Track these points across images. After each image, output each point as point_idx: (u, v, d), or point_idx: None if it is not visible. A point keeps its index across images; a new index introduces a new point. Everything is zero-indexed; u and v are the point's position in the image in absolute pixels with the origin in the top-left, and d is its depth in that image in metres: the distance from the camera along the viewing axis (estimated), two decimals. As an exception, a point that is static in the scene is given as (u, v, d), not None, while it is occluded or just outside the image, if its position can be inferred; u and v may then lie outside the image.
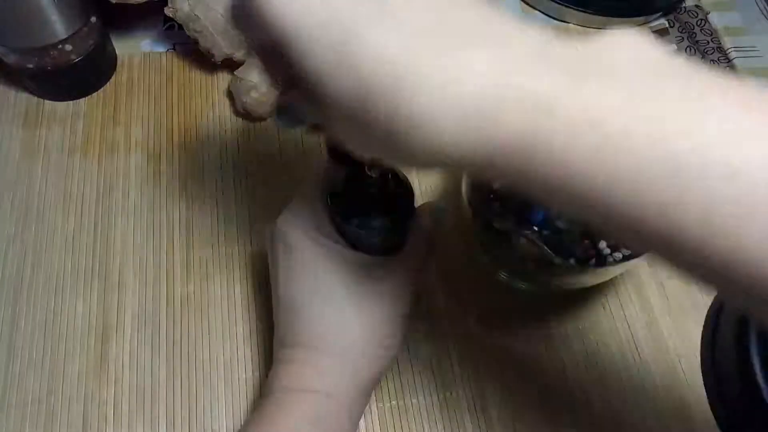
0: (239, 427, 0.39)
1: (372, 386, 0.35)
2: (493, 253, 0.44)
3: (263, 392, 0.34)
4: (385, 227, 0.35)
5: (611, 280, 0.44)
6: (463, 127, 0.19)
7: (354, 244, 0.34)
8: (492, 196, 0.39)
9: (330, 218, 0.35)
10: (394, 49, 0.19)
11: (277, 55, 0.23)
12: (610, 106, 0.18)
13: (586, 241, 0.38)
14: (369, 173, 0.34)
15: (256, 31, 0.22)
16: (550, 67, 0.19)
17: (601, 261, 0.37)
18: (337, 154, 0.34)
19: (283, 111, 0.28)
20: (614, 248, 0.37)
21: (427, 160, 0.20)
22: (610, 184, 0.18)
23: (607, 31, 0.20)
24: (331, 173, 0.35)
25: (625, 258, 0.37)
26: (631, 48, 0.19)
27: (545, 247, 0.36)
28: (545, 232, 0.37)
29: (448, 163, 0.20)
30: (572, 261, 0.37)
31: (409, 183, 0.36)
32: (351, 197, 0.35)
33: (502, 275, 0.44)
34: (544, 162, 0.18)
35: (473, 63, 0.19)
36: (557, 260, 0.36)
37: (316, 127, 0.32)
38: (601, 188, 0.18)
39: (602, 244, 0.38)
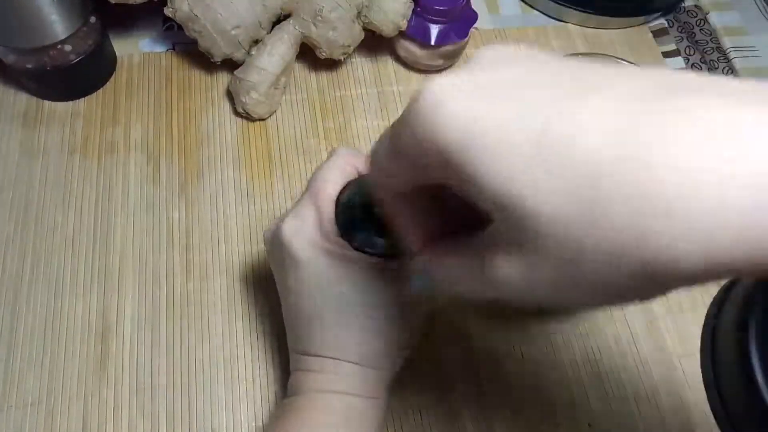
0: (239, 427, 0.39)
1: (393, 383, 0.35)
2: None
3: (287, 395, 0.34)
4: (386, 244, 0.34)
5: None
6: (750, 221, 0.14)
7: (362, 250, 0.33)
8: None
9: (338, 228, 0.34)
10: (626, 127, 0.15)
11: (424, 197, 0.20)
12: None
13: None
14: None
15: (413, 156, 0.18)
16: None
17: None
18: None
19: (419, 274, 0.25)
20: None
21: (691, 271, 0.15)
22: None
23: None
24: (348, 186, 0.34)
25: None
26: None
27: None
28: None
29: (717, 269, 0.15)
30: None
31: None
32: (356, 213, 0.33)
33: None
34: None
35: (748, 136, 0.14)
36: None
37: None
38: None
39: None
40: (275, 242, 0.34)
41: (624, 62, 0.46)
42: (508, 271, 0.18)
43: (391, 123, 0.20)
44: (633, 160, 0.14)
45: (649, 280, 0.16)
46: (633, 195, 0.14)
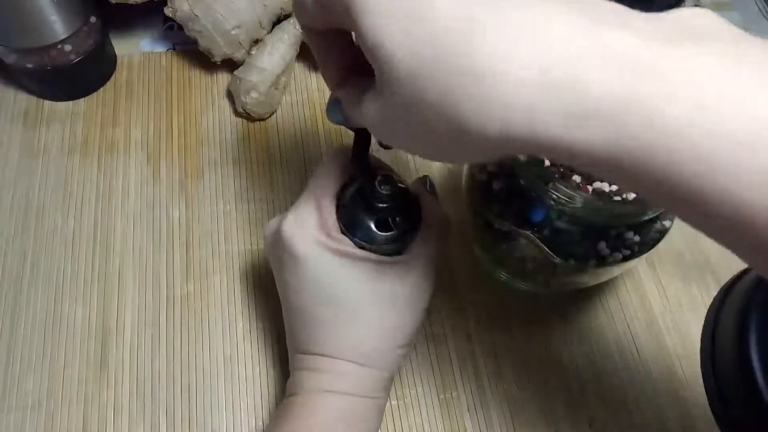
0: (239, 427, 0.39)
1: (392, 381, 0.35)
2: (493, 253, 0.44)
3: (286, 395, 0.34)
4: (387, 239, 0.34)
5: (611, 280, 0.44)
6: (547, 89, 0.18)
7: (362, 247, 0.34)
8: (492, 196, 0.39)
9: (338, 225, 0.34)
10: (473, 4, 0.18)
11: (335, 37, 0.23)
12: (710, 68, 0.17)
13: (586, 242, 0.38)
14: (380, 189, 0.33)
15: (321, 8, 0.23)
16: (637, 29, 0.18)
17: (601, 261, 0.37)
18: (361, 164, 0.33)
19: (335, 106, 0.28)
20: (614, 248, 0.37)
21: (495, 136, 0.19)
22: (708, 147, 0.16)
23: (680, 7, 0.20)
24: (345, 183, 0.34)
25: (625, 258, 0.37)
26: (709, 18, 0.19)
27: (545, 247, 0.36)
28: (545, 232, 0.37)
29: (520, 138, 0.19)
30: (572, 261, 0.37)
31: (418, 201, 0.35)
32: (357, 210, 0.34)
33: (502, 275, 0.44)
34: (639, 124, 0.17)
35: (557, 19, 0.18)
36: (557, 260, 0.36)
37: (359, 131, 0.32)
38: (699, 150, 0.16)
39: (601, 245, 0.38)
40: (276, 240, 0.34)
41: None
42: (369, 106, 0.24)
43: None
44: (465, 34, 0.18)
45: (461, 138, 0.20)
46: (459, 65, 0.18)
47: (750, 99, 0.16)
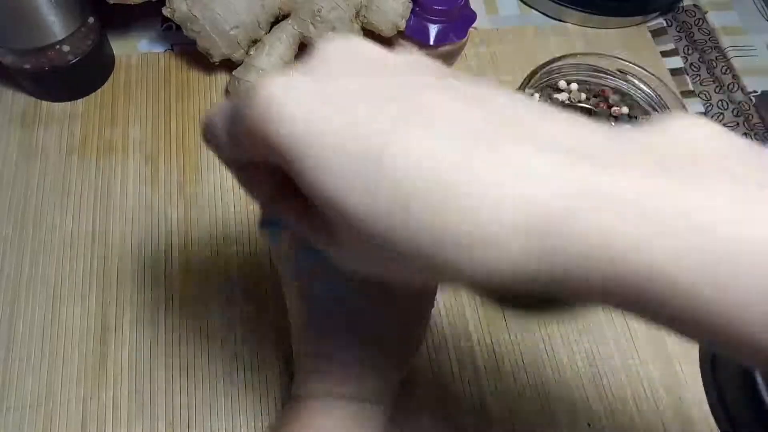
0: (238, 427, 0.39)
1: (399, 384, 0.34)
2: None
3: (290, 399, 0.34)
4: None
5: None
6: (535, 245, 0.16)
7: None
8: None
9: None
10: (439, 153, 0.16)
11: (266, 170, 0.20)
12: (714, 208, 0.15)
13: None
14: None
15: (248, 147, 0.19)
16: (626, 164, 0.16)
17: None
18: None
19: (268, 223, 0.26)
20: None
21: (481, 283, 0.17)
22: (716, 292, 0.15)
23: (666, 117, 0.18)
24: None
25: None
26: (708, 136, 0.17)
27: None
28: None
29: (509, 284, 0.17)
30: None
31: None
32: None
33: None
34: (635, 271, 0.15)
35: (541, 166, 0.16)
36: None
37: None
38: (705, 297, 0.15)
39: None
40: (282, 241, 0.34)
41: (625, 62, 0.46)
42: (320, 241, 0.21)
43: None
44: (440, 196, 0.16)
45: (436, 276, 0.19)
46: (436, 225, 0.16)
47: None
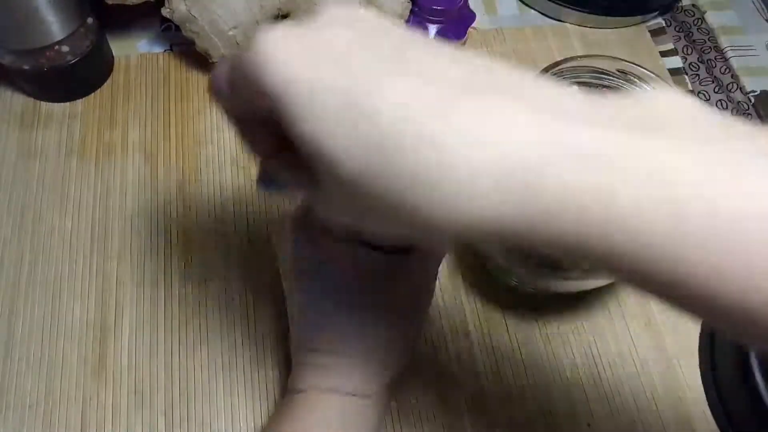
0: (238, 428, 0.39)
1: (396, 382, 0.35)
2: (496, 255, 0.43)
3: (287, 392, 0.34)
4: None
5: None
6: (504, 189, 0.16)
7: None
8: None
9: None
10: (419, 102, 0.17)
11: (263, 122, 0.21)
12: (678, 165, 0.16)
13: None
14: None
15: (246, 95, 0.20)
16: (596, 121, 0.17)
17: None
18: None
19: (266, 177, 0.27)
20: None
21: (453, 231, 0.18)
22: (681, 247, 0.16)
23: (641, 89, 0.19)
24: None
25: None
26: (681, 105, 0.18)
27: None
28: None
29: (478, 233, 0.18)
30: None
31: None
32: None
33: (513, 280, 0.44)
34: (601, 221, 0.16)
35: (516, 116, 0.17)
36: (560, 263, 0.36)
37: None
38: (670, 252, 0.16)
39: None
40: (282, 236, 0.34)
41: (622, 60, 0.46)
42: (310, 192, 0.22)
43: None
44: (414, 137, 0.17)
45: (418, 229, 0.19)
46: (410, 168, 0.17)
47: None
